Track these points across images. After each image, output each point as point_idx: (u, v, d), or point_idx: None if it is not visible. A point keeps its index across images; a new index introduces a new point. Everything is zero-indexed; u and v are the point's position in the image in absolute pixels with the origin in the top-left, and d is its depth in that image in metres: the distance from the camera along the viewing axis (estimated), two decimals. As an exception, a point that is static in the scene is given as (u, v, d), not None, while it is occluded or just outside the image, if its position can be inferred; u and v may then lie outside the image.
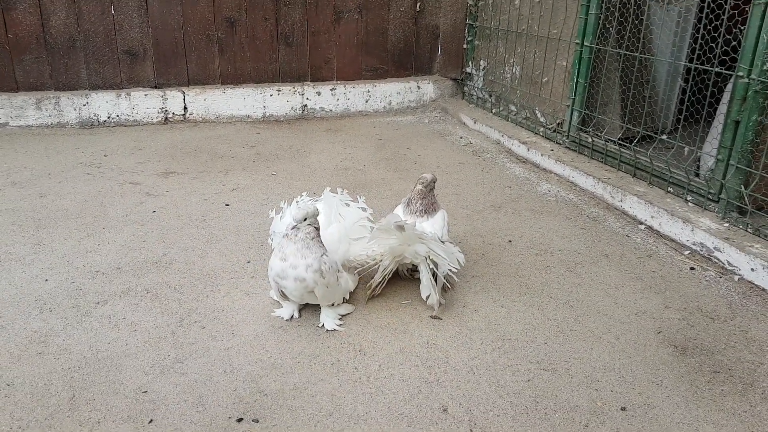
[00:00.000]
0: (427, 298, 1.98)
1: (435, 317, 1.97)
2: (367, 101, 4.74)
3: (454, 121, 4.54)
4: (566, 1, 3.42)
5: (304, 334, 1.89)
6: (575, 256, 2.40)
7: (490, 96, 4.44)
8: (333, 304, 1.97)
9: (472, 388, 1.62)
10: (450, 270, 1.99)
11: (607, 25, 3.15)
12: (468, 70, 4.73)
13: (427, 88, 4.88)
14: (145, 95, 4.18)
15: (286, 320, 1.96)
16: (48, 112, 4.03)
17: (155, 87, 4.23)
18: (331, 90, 4.60)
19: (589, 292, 2.13)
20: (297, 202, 2.17)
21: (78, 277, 2.22)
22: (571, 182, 3.20)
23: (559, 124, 3.63)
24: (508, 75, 4.17)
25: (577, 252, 2.44)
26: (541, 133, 3.76)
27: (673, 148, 2.76)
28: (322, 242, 1.89)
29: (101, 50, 4.07)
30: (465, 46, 4.70)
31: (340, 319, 1.96)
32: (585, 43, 3.25)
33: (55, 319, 1.95)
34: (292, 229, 1.85)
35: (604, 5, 3.12)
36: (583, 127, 3.38)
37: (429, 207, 2.17)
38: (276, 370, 1.72)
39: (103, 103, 4.11)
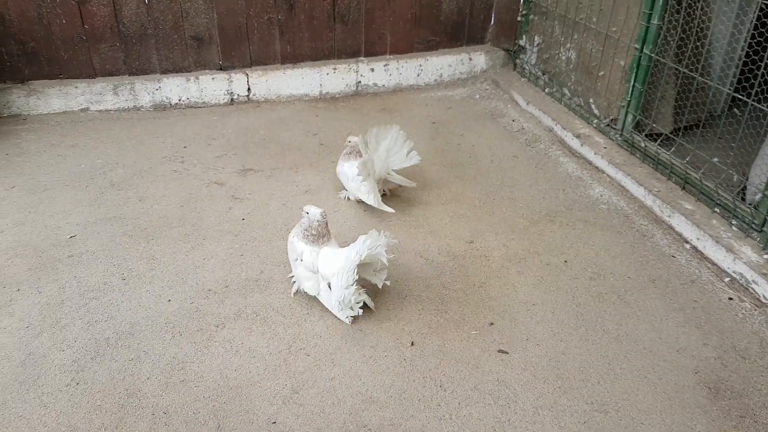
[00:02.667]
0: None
1: (502, 351, 2.32)
2: (418, 75, 4.85)
3: (506, 98, 4.65)
4: (628, 3, 3.42)
5: (391, 366, 2.26)
6: (625, 281, 2.69)
7: (543, 74, 4.50)
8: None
9: (538, 430, 2.00)
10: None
11: (668, 38, 3.18)
12: (521, 42, 4.75)
13: (478, 59, 4.94)
14: (212, 78, 4.39)
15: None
16: (124, 97, 4.29)
17: (220, 69, 4.43)
18: (384, 65, 4.71)
19: (637, 325, 2.44)
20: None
21: (195, 297, 2.61)
22: (622, 187, 3.39)
23: (612, 120, 3.75)
24: (563, 57, 4.21)
25: (627, 276, 2.71)
26: (595, 125, 3.89)
27: (722, 174, 2.92)
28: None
29: (170, 36, 4.24)
30: (519, 18, 4.70)
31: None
32: (644, 51, 3.30)
33: (186, 344, 2.37)
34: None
35: (666, 17, 3.14)
36: (636, 131, 3.51)
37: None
38: (373, 404, 2.11)
39: (174, 87, 4.35)
